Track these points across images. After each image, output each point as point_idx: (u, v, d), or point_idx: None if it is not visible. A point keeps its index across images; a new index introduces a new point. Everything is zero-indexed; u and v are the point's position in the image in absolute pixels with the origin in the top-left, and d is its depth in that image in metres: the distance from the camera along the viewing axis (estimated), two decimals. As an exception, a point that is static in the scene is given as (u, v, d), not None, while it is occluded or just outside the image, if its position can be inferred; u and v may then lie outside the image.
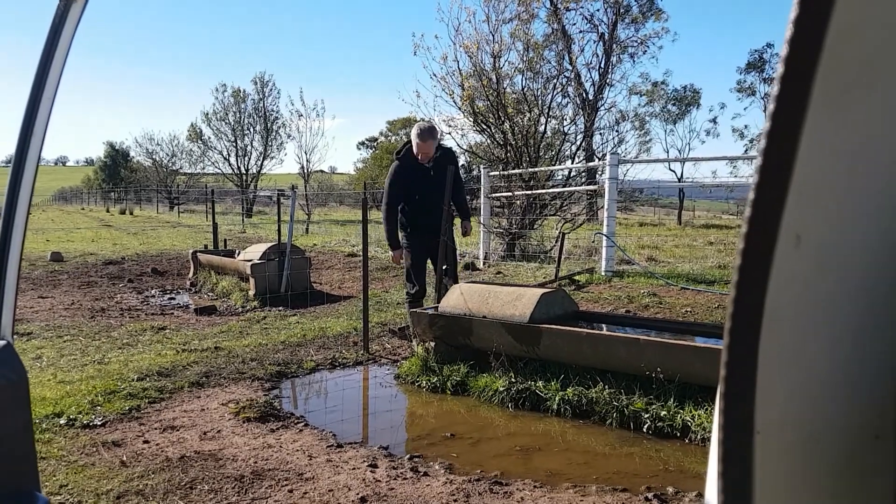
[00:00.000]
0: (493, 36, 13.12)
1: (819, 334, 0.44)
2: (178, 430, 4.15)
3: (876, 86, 0.39)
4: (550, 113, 13.57)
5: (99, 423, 4.22)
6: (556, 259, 9.01)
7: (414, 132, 6.12)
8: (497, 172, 12.75)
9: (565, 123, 14.44)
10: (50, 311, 8.51)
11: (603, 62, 20.77)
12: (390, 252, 6.41)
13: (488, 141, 14.20)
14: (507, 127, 13.19)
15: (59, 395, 4.66)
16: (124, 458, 3.66)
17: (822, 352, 0.44)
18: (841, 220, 0.42)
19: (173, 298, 10.31)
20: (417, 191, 6.07)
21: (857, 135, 0.41)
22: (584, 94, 17.50)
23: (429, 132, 6.06)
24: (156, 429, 4.17)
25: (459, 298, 5.26)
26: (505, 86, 13.31)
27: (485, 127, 13.54)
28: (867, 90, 0.39)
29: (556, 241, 10.45)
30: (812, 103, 0.38)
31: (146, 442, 3.95)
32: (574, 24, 17.84)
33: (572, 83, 15.35)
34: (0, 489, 1.22)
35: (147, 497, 3.19)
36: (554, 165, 13.54)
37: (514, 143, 13.14)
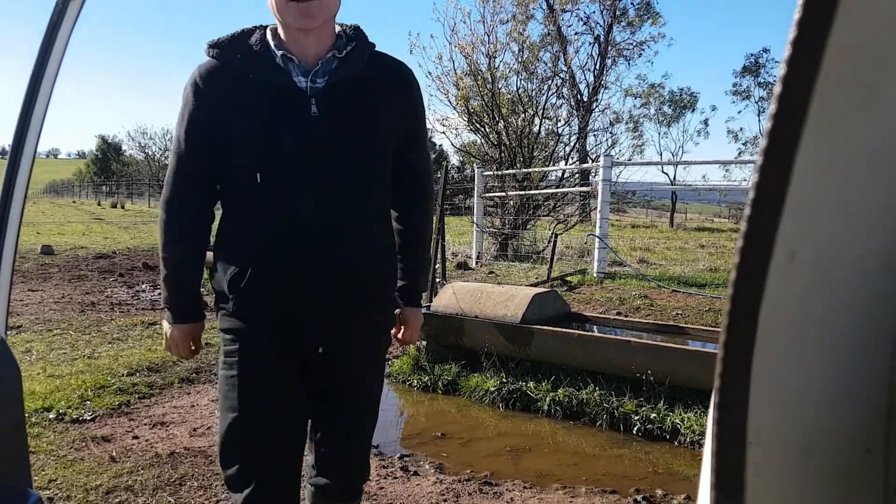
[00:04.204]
0: (489, 37, 13.14)
1: (812, 349, 0.45)
2: (167, 427, 4.14)
3: (871, 108, 0.40)
4: (545, 114, 13.60)
5: (88, 418, 4.21)
6: (549, 260, 9.03)
7: None
8: (491, 172, 12.77)
9: (559, 124, 14.48)
10: (40, 305, 8.46)
11: (598, 64, 20.82)
12: (165, 326, 1.84)
13: (482, 140, 14.22)
14: (502, 127, 13.20)
15: (48, 390, 4.64)
16: (114, 454, 3.65)
17: (815, 366, 0.45)
18: (835, 238, 0.43)
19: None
20: (268, 148, 1.61)
21: (851, 155, 0.41)
22: (579, 96, 17.54)
23: None
24: (145, 424, 4.16)
25: (452, 298, 5.26)
26: (500, 86, 13.33)
27: (479, 126, 13.56)
28: (862, 112, 0.40)
29: (549, 242, 10.47)
30: (808, 123, 0.39)
31: (136, 437, 3.94)
32: (570, 25, 17.82)
33: (567, 84, 15.39)
34: (-8, 486, 1.22)
35: (136, 493, 3.19)
36: (548, 166, 13.56)
37: (508, 143, 13.16)
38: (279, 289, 1.62)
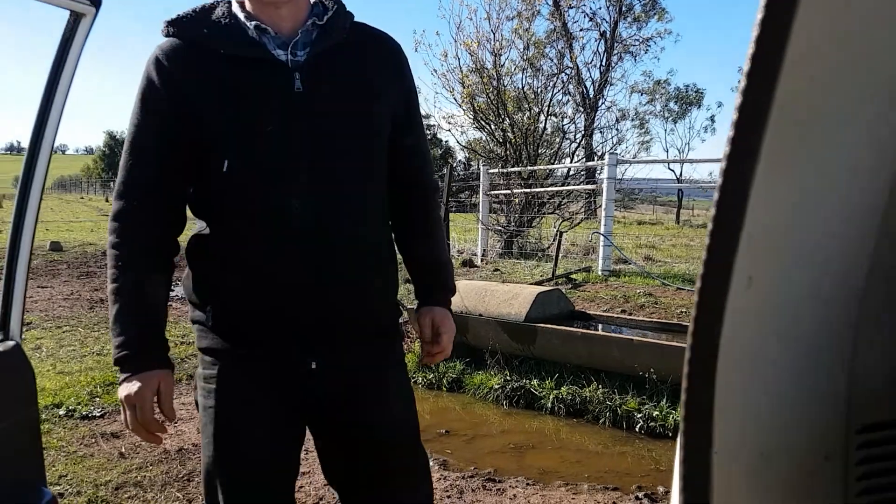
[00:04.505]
0: (494, 34, 13.16)
1: (772, 364, 0.48)
2: (175, 423, 4.20)
3: (816, 146, 0.44)
4: (550, 110, 13.62)
5: (98, 415, 4.27)
6: (554, 257, 9.06)
7: None
8: (496, 170, 12.79)
9: (565, 121, 14.50)
10: (49, 302, 8.55)
11: (604, 60, 20.79)
12: (121, 391, 1.37)
13: (487, 138, 14.25)
14: (507, 124, 13.23)
15: (58, 386, 4.71)
16: (123, 450, 3.71)
17: (775, 380, 0.49)
18: (789, 264, 0.47)
19: (171, 290, 10.34)
20: (246, 132, 1.37)
21: (800, 188, 0.45)
22: (585, 93, 17.54)
23: None
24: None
25: (456, 296, 5.30)
26: (505, 83, 13.35)
27: (484, 124, 13.59)
28: (809, 150, 0.44)
29: (554, 240, 10.50)
30: (760, 162, 0.42)
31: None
32: (576, 21, 17.81)
33: (573, 81, 15.41)
34: (8, 483, 1.27)
35: (145, 489, 3.25)
36: (553, 163, 13.58)
37: (513, 140, 13.18)
38: (259, 300, 1.39)
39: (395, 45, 1.57)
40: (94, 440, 3.85)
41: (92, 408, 4.37)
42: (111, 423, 4.15)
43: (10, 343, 1.40)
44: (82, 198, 48.49)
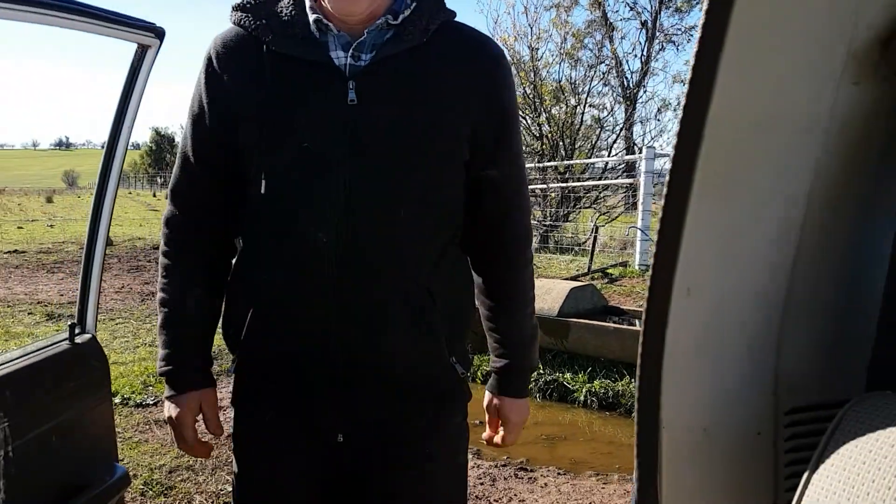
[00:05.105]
0: (532, 28, 13.19)
1: (709, 357, 0.60)
2: (224, 410, 4.42)
3: (739, 178, 0.56)
4: (589, 101, 13.61)
5: (151, 403, 4.51)
6: (590, 252, 9.10)
7: None
8: (532, 164, 12.84)
9: (605, 112, 14.46)
10: (101, 295, 8.89)
11: (645, 50, 20.59)
12: (166, 409, 1.38)
13: (524, 132, 14.29)
14: (544, 118, 13.26)
15: (113, 376, 4.91)
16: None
17: (715, 370, 0.61)
18: (721, 276, 0.59)
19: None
20: (283, 149, 1.20)
21: (729, 215, 0.57)
22: (625, 83, 17.42)
23: None
24: (203, 409, 4.44)
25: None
26: (542, 76, 13.38)
27: (521, 118, 13.64)
28: (733, 183, 0.55)
29: (590, 234, 10.52)
30: (693, 192, 0.54)
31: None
32: (616, 11, 17.68)
33: (613, 72, 15.34)
34: (88, 459, 1.45)
35: (197, 472, 3.46)
36: (591, 156, 13.57)
37: (549, 134, 13.21)
38: (284, 349, 1.23)
39: (493, 54, 1.29)
40: (147, 427, 4.09)
41: (145, 396, 4.61)
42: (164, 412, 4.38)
43: (87, 336, 1.59)
44: (130, 193, 49.90)
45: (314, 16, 1.17)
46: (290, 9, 1.20)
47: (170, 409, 1.33)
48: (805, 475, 0.59)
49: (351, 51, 1.16)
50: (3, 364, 1.33)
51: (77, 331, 1.54)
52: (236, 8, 1.22)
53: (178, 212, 1.29)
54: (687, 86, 0.52)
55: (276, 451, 1.28)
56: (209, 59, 1.22)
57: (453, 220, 1.26)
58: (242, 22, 1.20)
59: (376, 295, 1.18)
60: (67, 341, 1.51)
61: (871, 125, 0.58)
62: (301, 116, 1.16)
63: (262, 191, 1.18)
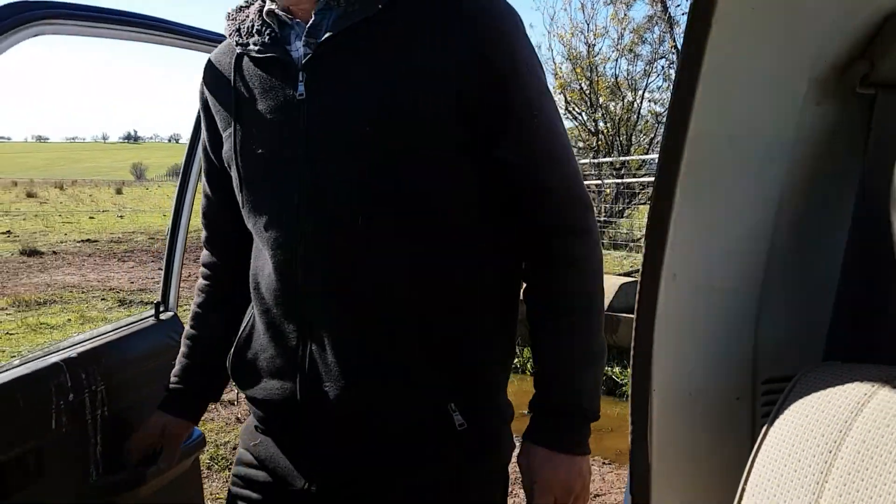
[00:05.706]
0: (588, 24, 13.15)
1: (694, 331, 0.73)
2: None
3: (718, 183, 0.67)
4: (648, 96, 13.50)
5: (216, 384, 4.78)
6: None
7: None
8: (587, 160, 12.83)
9: (664, 107, 14.31)
10: (170, 283, 9.34)
11: (705, 45, 20.12)
12: None
13: (579, 128, 14.27)
14: (599, 115, 13.21)
15: (181, 358, 5.27)
16: (239, 416, 4.18)
17: (696, 341, 0.73)
18: (704, 263, 0.71)
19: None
20: (246, 164, 1.05)
21: (709, 213, 0.69)
22: (684, 79, 17.13)
23: None
24: (264, 392, 4.69)
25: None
26: (600, 71, 13.33)
27: (576, 115, 13.62)
28: (712, 187, 0.67)
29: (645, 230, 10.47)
30: (677, 194, 0.67)
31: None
32: (678, 5, 17.43)
33: (674, 66, 15.14)
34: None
35: (258, 449, 3.68)
36: (649, 151, 13.46)
37: (605, 130, 13.16)
38: (259, 382, 1.08)
39: (475, 5, 0.95)
40: (213, 406, 4.35)
41: (211, 378, 4.89)
42: (228, 393, 4.64)
43: (170, 313, 1.79)
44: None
45: (267, 7, 1.02)
46: (262, 6, 1.05)
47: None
48: (763, 429, 0.70)
49: (303, 38, 0.99)
50: (100, 335, 1.53)
51: (161, 308, 1.75)
52: (226, 17, 1.10)
53: (204, 229, 1.25)
54: (669, 107, 0.64)
55: (266, 485, 1.10)
56: (201, 85, 1.14)
57: (447, 224, 0.99)
58: (227, 30, 1.08)
59: (337, 329, 0.99)
60: (153, 318, 1.72)
61: (831, 139, 0.70)
62: (259, 121, 1.01)
63: (242, 208, 1.07)
